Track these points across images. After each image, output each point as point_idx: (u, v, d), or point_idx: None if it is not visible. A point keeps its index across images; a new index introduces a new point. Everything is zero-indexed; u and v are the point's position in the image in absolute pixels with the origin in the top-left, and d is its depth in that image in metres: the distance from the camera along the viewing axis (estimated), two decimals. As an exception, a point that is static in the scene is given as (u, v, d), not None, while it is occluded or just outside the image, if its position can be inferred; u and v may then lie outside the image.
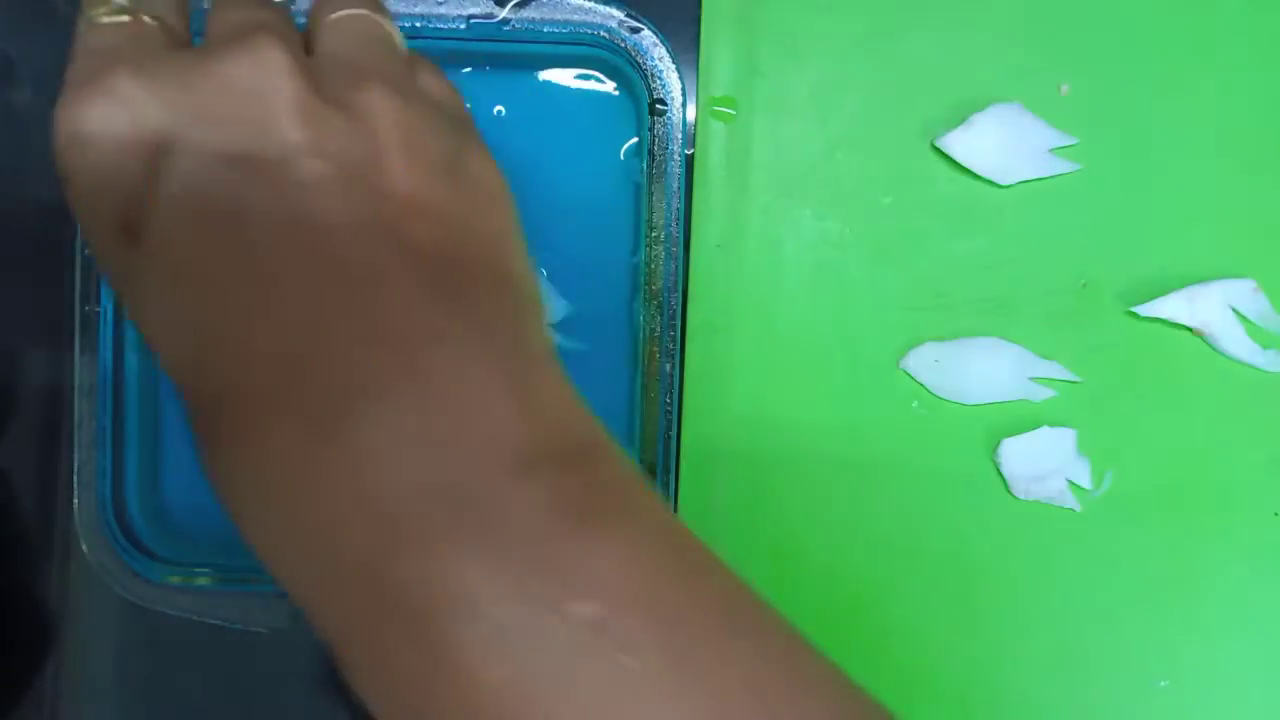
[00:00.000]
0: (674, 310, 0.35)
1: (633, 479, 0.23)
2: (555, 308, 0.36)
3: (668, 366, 0.35)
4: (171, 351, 0.22)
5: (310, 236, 0.21)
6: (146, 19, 0.24)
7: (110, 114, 0.22)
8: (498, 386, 0.21)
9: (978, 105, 0.36)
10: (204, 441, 0.22)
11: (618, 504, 0.21)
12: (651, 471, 0.35)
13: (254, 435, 0.21)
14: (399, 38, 0.26)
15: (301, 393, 0.20)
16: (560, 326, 0.36)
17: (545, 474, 0.20)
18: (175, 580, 0.35)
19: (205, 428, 0.22)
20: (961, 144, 0.36)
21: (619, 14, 0.35)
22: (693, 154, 0.37)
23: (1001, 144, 0.36)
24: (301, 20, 0.27)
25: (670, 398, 0.35)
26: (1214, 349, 0.36)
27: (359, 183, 0.22)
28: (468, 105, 0.36)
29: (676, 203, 0.34)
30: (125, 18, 0.23)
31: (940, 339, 0.37)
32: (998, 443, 0.36)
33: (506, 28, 0.35)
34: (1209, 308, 0.36)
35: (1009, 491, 0.37)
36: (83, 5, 0.24)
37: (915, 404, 0.37)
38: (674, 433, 0.35)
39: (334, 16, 0.25)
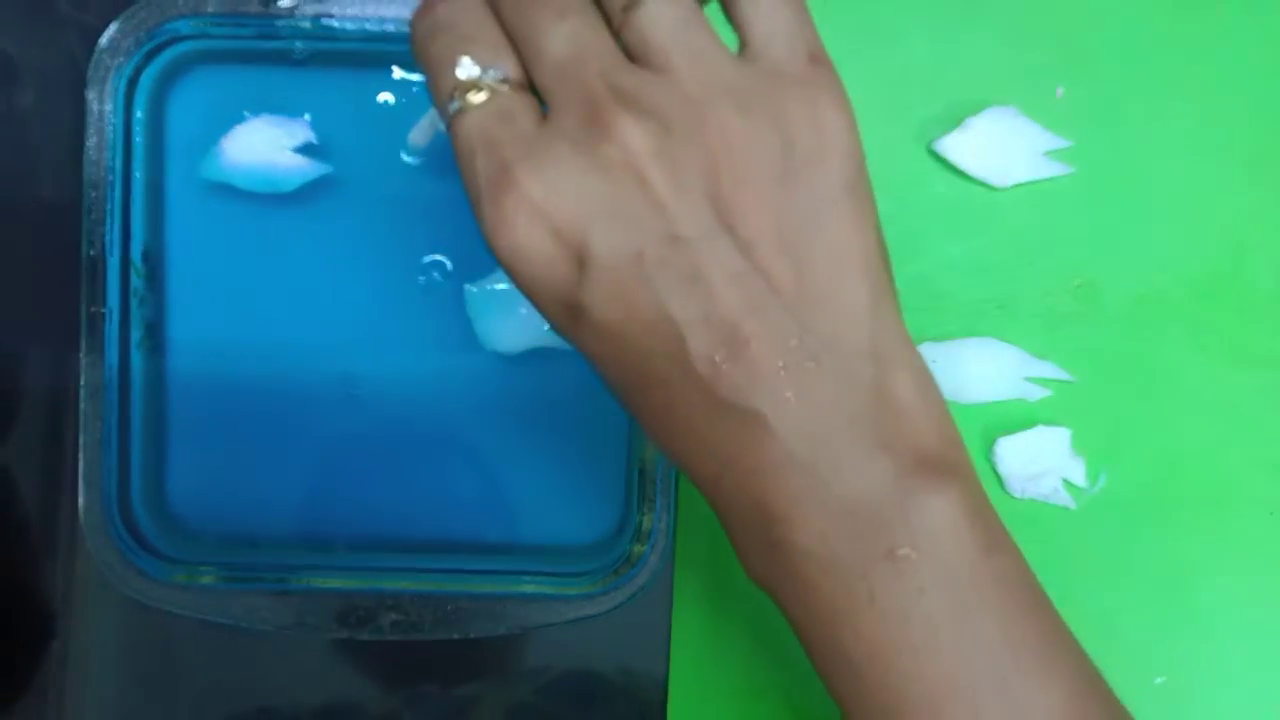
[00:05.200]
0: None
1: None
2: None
3: (667, 367, 0.35)
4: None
5: None
6: (503, 88, 0.24)
7: (531, 232, 0.24)
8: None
9: (973, 108, 0.36)
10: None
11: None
12: (651, 471, 0.35)
13: None
14: None
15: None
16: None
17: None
18: (179, 579, 0.35)
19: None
20: (957, 147, 0.36)
21: (619, 18, 0.35)
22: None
23: (997, 147, 0.36)
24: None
25: (670, 397, 0.35)
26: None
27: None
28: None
29: (676, 204, 0.35)
30: (484, 95, 0.24)
31: (937, 339, 0.37)
32: (993, 441, 0.37)
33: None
34: None
35: (1005, 490, 0.37)
36: (434, 90, 0.25)
37: (912, 403, 0.37)
38: (674, 432, 0.35)
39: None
